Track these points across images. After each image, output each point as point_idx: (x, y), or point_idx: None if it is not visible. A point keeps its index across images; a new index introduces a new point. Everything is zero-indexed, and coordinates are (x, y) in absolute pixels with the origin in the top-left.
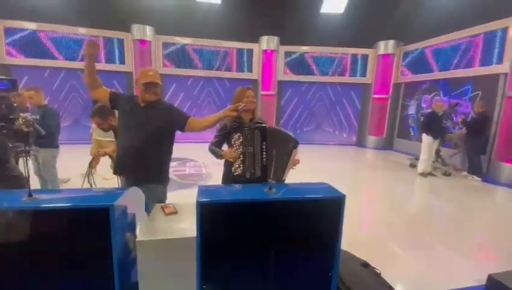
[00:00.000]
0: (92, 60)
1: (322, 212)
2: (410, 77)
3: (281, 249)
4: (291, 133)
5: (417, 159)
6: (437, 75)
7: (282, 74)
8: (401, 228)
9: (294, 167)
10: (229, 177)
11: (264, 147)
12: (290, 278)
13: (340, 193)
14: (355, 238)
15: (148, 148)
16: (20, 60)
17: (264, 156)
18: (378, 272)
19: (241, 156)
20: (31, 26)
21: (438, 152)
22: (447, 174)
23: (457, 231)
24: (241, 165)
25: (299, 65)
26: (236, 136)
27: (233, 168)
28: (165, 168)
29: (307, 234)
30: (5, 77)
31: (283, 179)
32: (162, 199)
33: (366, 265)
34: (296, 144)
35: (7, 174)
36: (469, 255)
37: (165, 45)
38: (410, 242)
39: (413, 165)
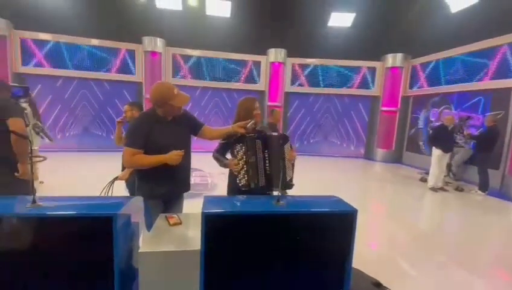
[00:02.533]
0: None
1: (332, 227)
2: (419, 90)
3: (288, 264)
4: (277, 133)
5: (427, 173)
6: (447, 88)
7: (289, 85)
8: (412, 245)
9: (293, 161)
10: (234, 188)
11: (266, 156)
12: None
13: (352, 208)
14: (363, 254)
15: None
16: (34, 70)
17: (267, 165)
18: None
19: (244, 166)
20: (45, 37)
21: (449, 166)
22: (459, 189)
23: (470, 248)
24: (245, 176)
25: (309, 77)
26: (238, 146)
27: (237, 179)
28: None
29: (315, 249)
30: (17, 84)
31: (290, 181)
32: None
33: (378, 284)
34: (284, 140)
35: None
36: (483, 274)
37: (186, 58)
38: (421, 260)
39: (423, 180)
